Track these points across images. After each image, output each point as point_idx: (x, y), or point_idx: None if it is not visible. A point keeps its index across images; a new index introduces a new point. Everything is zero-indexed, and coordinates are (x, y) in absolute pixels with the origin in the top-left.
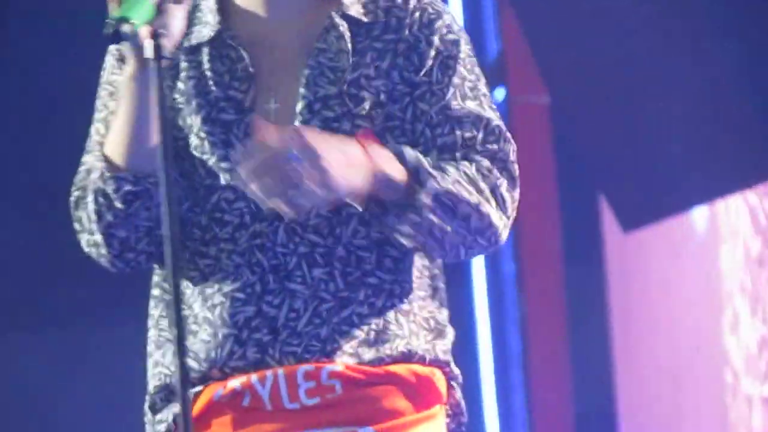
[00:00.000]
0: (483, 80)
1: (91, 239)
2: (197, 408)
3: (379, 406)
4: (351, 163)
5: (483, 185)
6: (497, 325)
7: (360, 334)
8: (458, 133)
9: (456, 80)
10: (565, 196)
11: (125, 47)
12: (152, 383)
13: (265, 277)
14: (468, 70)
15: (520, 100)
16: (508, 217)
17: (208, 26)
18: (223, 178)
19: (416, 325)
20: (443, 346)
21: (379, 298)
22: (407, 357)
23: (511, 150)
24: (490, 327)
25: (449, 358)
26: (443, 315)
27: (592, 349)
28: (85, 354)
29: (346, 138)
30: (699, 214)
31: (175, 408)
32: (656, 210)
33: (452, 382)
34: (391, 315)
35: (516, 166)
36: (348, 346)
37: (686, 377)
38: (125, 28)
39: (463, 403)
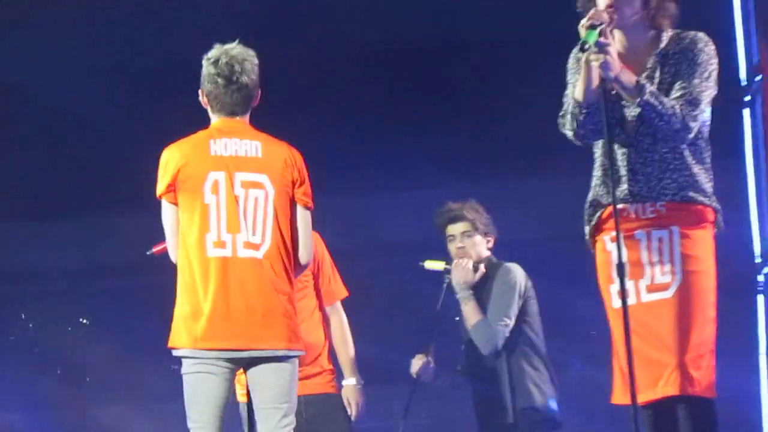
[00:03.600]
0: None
1: (568, 132)
2: (606, 213)
3: (683, 220)
4: (614, 57)
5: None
6: None
7: (674, 185)
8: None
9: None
10: None
11: (586, 52)
12: (588, 199)
13: (630, 154)
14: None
15: None
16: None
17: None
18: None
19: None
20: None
21: (685, 162)
22: (694, 199)
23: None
24: None
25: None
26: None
27: None
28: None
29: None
30: None
31: (597, 213)
32: None
33: (717, 214)
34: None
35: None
36: (669, 191)
37: None
38: (586, 45)
39: (721, 222)
